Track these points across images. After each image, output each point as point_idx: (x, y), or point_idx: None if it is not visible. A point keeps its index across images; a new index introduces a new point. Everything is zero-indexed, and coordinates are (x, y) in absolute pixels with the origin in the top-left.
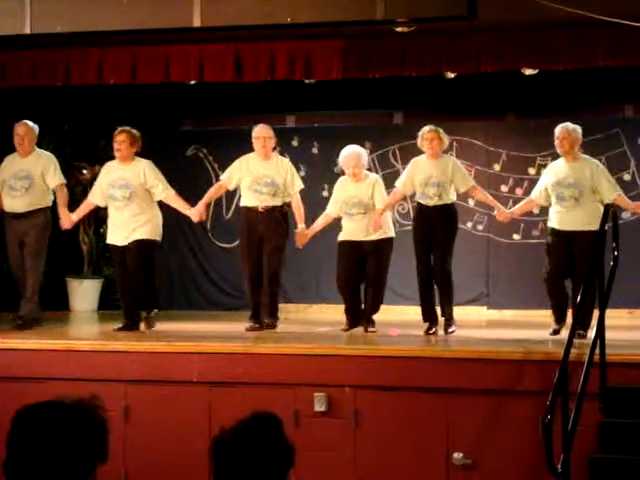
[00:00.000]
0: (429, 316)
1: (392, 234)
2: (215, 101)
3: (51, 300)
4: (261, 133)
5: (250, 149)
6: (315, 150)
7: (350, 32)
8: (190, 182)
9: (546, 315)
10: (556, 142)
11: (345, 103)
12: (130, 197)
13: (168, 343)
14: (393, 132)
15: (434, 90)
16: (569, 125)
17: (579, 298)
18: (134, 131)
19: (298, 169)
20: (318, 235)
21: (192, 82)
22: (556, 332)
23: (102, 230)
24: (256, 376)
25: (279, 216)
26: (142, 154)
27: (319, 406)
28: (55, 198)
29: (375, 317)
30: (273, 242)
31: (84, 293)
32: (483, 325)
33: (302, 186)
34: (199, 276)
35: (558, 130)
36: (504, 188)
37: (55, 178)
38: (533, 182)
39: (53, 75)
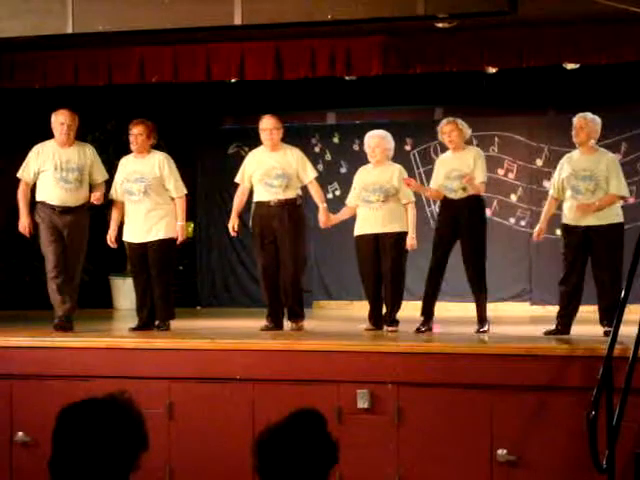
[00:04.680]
0: (428, 312)
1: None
2: (256, 99)
3: (95, 298)
4: (267, 125)
5: (292, 145)
6: (356, 147)
7: (390, 28)
8: (232, 180)
9: (590, 311)
10: (573, 132)
11: (386, 99)
12: (146, 191)
13: (211, 340)
14: (434, 128)
15: (475, 85)
16: (588, 115)
17: (622, 293)
18: (150, 122)
19: (339, 166)
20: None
21: (233, 80)
22: (550, 333)
23: None
24: (299, 373)
25: (293, 210)
26: (185, 152)
27: (362, 403)
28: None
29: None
30: (289, 240)
31: (128, 291)
32: (526, 321)
33: (316, 174)
34: (241, 273)
35: (576, 120)
36: (546, 184)
37: (103, 172)
38: None
39: (95, 74)
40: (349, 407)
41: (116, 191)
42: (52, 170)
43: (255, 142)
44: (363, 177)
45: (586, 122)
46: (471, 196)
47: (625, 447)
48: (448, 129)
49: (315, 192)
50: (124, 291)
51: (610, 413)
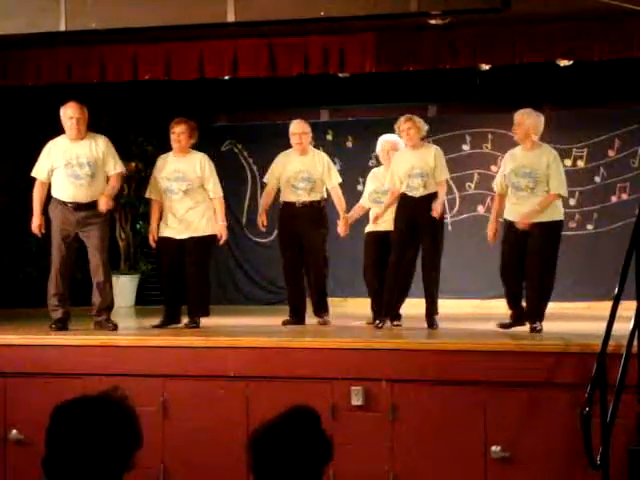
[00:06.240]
0: (389, 309)
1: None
2: (249, 96)
3: (88, 296)
4: (297, 129)
5: (285, 143)
6: (349, 144)
7: (384, 25)
8: (226, 177)
9: (582, 307)
10: (513, 128)
11: (379, 96)
12: (187, 190)
13: (205, 338)
14: (427, 125)
15: (468, 82)
16: (527, 110)
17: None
18: (192, 121)
19: (333, 163)
20: (354, 229)
21: (226, 77)
22: (505, 326)
23: (138, 226)
24: (293, 370)
25: (316, 212)
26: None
27: (356, 400)
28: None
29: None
30: (312, 241)
31: (121, 289)
32: None
33: (340, 179)
34: (235, 271)
35: (515, 116)
36: None
37: (117, 163)
38: (568, 174)
39: (88, 72)
40: (343, 404)
41: (155, 190)
42: (63, 166)
43: (248, 139)
44: (375, 179)
45: (523, 118)
46: (431, 194)
47: (619, 444)
48: (406, 127)
49: (337, 199)
50: (117, 289)
51: (604, 410)
